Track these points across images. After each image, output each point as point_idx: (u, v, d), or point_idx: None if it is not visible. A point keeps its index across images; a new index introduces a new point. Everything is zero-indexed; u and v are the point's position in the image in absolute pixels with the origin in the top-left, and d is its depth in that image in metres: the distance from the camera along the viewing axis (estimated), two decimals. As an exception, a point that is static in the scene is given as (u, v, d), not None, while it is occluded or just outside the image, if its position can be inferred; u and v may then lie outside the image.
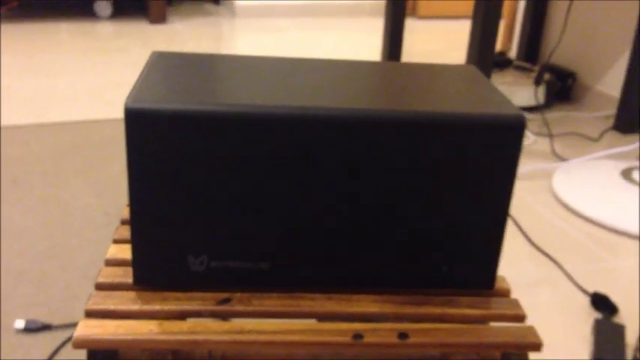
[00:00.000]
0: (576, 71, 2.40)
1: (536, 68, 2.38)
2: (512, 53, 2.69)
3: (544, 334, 1.19)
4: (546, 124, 2.17)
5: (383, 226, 0.54)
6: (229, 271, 0.54)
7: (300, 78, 0.57)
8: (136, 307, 0.53)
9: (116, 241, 0.63)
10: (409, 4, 3.66)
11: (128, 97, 0.50)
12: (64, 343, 1.06)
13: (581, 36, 2.38)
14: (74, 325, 1.11)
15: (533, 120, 2.21)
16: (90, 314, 0.52)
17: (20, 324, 1.08)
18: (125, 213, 0.68)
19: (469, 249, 0.55)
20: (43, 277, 1.24)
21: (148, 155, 0.50)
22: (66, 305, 1.16)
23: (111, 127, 1.97)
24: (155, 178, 0.51)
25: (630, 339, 1.15)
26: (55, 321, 1.11)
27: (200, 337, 0.50)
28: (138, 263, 0.53)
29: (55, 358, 1.03)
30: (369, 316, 0.55)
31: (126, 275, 0.56)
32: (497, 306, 0.56)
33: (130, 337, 0.50)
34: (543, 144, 2.02)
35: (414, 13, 3.68)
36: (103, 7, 3.19)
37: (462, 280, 0.56)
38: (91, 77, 2.40)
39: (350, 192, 0.53)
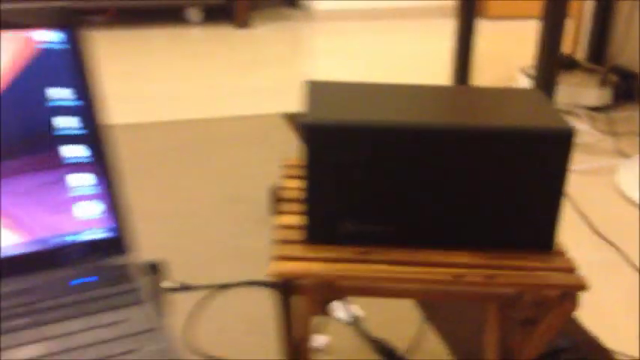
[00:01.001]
0: (642, 72, 2.52)
1: (603, 69, 2.51)
2: (580, 55, 2.82)
3: (604, 310, 1.37)
4: (611, 123, 2.30)
5: (473, 204, 0.75)
6: (368, 233, 0.77)
7: (415, 100, 0.79)
8: (309, 254, 0.76)
9: (279, 211, 0.86)
10: (479, 4, 3.80)
11: (306, 116, 0.73)
12: (204, 299, 1.31)
13: (647, 38, 2.49)
14: (211, 286, 1.37)
15: (599, 119, 2.35)
16: (277, 258, 0.76)
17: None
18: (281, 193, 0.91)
19: (534, 223, 0.76)
20: (177, 250, 1.49)
21: (320, 155, 0.73)
22: (201, 271, 1.41)
23: (215, 124, 2.23)
24: (323, 172, 0.74)
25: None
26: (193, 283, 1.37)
27: (350, 273, 0.73)
28: (309, 227, 0.77)
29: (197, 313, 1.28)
30: (465, 265, 0.76)
31: (295, 236, 0.79)
32: (554, 260, 0.77)
33: (305, 271, 0.73)
34: (608, 142, 2.16)
35: (484, 14, 3.82)
36: (194, 14, 3.47)
37: (529, 243, 0.78)
38: (187, 80, 2.68)
39: (451, 179, 0.74)
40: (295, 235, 0.80)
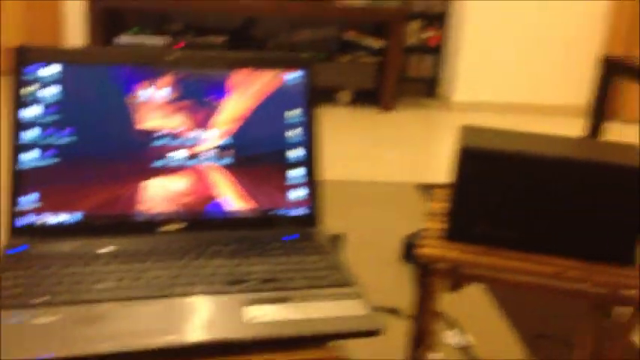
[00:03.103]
0: None
1: None
2: None
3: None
4: None
5: (574, 222, 1.01)
6: (496, 236, 1.04)
7: (545, 142, 1.07)
8: (448, 246, 1.04)
9: (428, 219, 1.15)
10: (615, 106, 3.97)
11: (462, 143, 1.03)
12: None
13: None
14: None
15: None
16: (422, 246, 1.05)
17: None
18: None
19: (620, 240, 1.00)
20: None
21: (468, 173, 1.02)
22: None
23: (356, 186, 2.57)
24: (467, 186, 1.03)
25: None
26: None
27: (476, 261, 1.00)
28: (451, 227, 1.05)
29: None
30: (566, 266, 1.00)
31: (435, 234, 1.08)
32: (633, 271, 0.99)
33: (443, 256, 1.01)
34: None
35: (620, 117, 3.97)
36: (344, 96, 3.93)
37: (616, 257, 1.01)
38: (335, 148, 3.06)
39: (560, 201, 1.00)
40: (437, 234, 1.09)
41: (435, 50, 4.15)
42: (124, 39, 3.51)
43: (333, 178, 2.64)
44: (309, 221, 1.03)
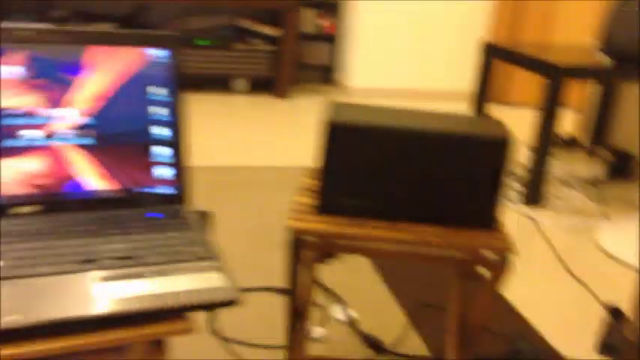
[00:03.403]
0: (636, 154, 2.80)
1: (599, 148, 2.80)
2: (583, 136, 3.12)
3: (567, 330, 1.61)
4: (602, 193, 2.57)
5: (436, 190, 1.05)
6: (363, 208, 1.07)
7: (408, 116, 1.11)
8: (317, 219, 1.06)
9: (300, 194, 1.16)
10: (501, 90, 4.17)
11: (328, 118, 1.05)
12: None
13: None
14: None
15: (591, 190, 2.62)
16: (293, 220, 1.06)
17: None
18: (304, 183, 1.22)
19: (480, 207, 1.05)
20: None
21: (336, 145, 1.04)
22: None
23: (249, 171, 2.58)
24: (335, 160, 1.05)
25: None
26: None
27: (345, 232, 1.03)
28: (321, 201, 1.07)
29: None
30: (429, 232, 1.05)
31: (308, 209, 1.10)
32: (494, 234, 1.05)
33: (313, 228, 1.03)
34: (595, 207, 2.43)
35: (503, 100, 4.17)
36: (240, 84, 3.91)
37: (476, 222, 1.07)
38: (231, 136, 3.05)
39: (422, 172, 1.05)
40: (309, 209, 1.10)
41: (330, 38, 4.20)
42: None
43: (229, 164, 2.63)
44: (174, 199, 1.02)
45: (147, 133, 1.00)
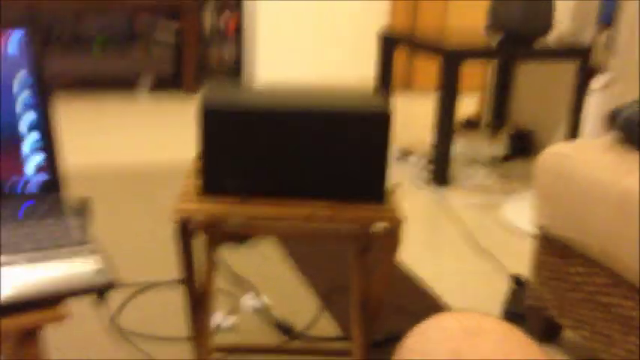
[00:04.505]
0: (535, 130, 2.91)
1: (501, 128, 2.89)
2: (485, 117, 3.21)
3: (476, 303, 1.64)
4: (505, 170, 2.65)
5: (324, 166, 1.03)
6: (246, 185, 1.03)
7: (285, 95, 1.08)
8: (203, 200, 1.02)
9: (188, 176, 1.12)
10: (404, 77, 4.24)
11: (202, 101, 1.01)
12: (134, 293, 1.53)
13: (538, 101, 2.90)
14: (138, 283, 1.59)
15: (495, 167, 2.70)
16: (178, 203, 1.02)
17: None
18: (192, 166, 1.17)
19: (369, 181, 1.04)
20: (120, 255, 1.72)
21: (212, 130, 1.00)
22: (135, 270, 1.64)
23: (156, 167, 2.49)
24: (213, 143, 1.01)
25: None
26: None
27: (232, 211, 0.99)
28: (203, 182, 1.03)
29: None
30: (317, 207, 1.03)
31: (193, 192, 1.05)
32: (384, 207, 1.04)
33: (199, 210, 0.99)
34: (500, 184, 2.50)
35: (410, 87, 4.25)
36: (145, 83, 3.79)
37: (367, 196, 1.05)
38: (138, 134, 2.95)
39: (307, 146, 1.02)
40: (193, 191, 1.06)
41: (235, 33, 4.15)
42: None
43: (137, 162, 2.53)
44: (49, 187, 0.96)
45: (11, 122, 0.93)
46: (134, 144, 2.82)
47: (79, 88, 3.75)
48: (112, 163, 2.53)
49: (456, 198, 2.35)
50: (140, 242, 1.87)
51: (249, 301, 1.59)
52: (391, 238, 1.02)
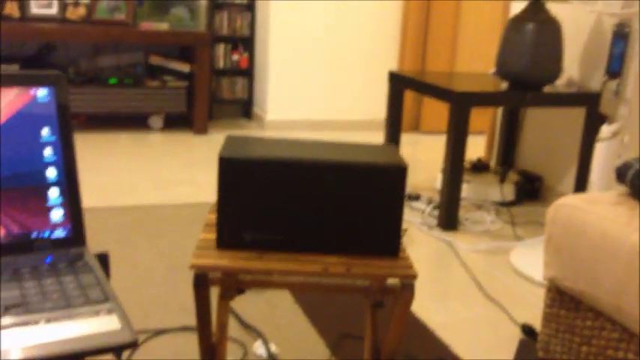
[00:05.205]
0: (542, 175, 2.92)
1: (508, 172, 2.90)
2: (492, 160, 3.23)
3: (485, 352, 1.64)
4: (512, 215, 2.66)
5: (338, 220, 1.05)
6: (263, 241, 1.05)
7: (303, 147, 1.11)
8: (219, 254, 1.03)
9: (204, 230, 1.14)
10: (413, 119, 4.27)
11: (221, 153, 1.03)
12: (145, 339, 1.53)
13: (545, 145, 2.92)
14: (149, 330, 1.59)
15: (502, 212, 2.70)
16: (195, 257, 1.03)
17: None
18: (208, 219, 1.19)
19: (383, 235, 1.06)
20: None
21: (228, 183, 1.02)
22: (145, 318, 1.64)
23: (165, 209, 2.51)
24: (230, 195, 1.03)
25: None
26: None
27: (248, 266, 1.01)
28: (220, 236, 1.05)
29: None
30: (331, 262, 1.04)
31: (211, 244, 1.07)
32: (398, 262, 1.06)
33: (215, 264, 1.00)
34: (508, 229, 2.51)
35: (418, 129, 4.29)
36: (156, 121, 3.84)
37: (380, 250, 1.07)
38: (148, 174, 2.98)
39: (322, 202, 1.04)
40: (210, 244, 1.08)
41: (246, 72, 4.21)
42: None
43: (144, 203, 2.55)
44: (68, 242, 0.97)
45: (35, 176, 0.95)
46: (142, 184, 2.84)
47: (90, 125, 3.80)
48: (120, 204, 2.55)
49: (464, 243, 2.35)
50: (148, 286, 1.88)
51: (258, 349, 1.59)
52: (405, 292, 1.03)
